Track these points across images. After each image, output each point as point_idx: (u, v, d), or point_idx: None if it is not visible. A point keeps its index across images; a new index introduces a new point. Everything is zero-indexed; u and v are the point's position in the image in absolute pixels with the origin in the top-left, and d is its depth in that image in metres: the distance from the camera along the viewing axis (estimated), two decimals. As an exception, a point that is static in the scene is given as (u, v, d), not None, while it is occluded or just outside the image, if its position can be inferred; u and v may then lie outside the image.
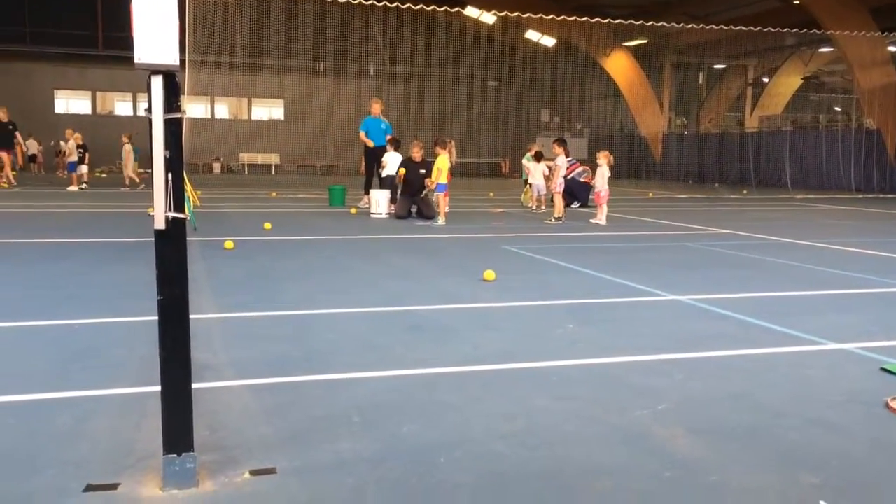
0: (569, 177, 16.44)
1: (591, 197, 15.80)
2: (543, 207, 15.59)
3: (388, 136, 15.32)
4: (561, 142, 14.02)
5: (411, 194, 13.68)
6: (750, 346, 4.88)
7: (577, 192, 16.85)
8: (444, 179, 12.77)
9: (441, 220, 12.63)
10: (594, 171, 14.01)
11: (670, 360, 4.52)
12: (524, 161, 16.93)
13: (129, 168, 21.48)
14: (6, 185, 19.86)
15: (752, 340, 5.02)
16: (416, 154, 13.76)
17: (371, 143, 15.45)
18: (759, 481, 2.86)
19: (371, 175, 15.78)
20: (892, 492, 2.80)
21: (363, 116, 16.05)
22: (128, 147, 21.38)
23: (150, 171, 2.63)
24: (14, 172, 20.66)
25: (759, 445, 3.22)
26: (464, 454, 3.07)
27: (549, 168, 14.93)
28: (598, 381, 4.11)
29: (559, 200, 13.55)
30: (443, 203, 12.81)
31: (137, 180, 21.40)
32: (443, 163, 12.83)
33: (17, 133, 20.19)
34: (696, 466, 2.99)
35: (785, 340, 5.05)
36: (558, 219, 13.26)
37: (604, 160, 13.25)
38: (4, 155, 20.25)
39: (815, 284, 7.31)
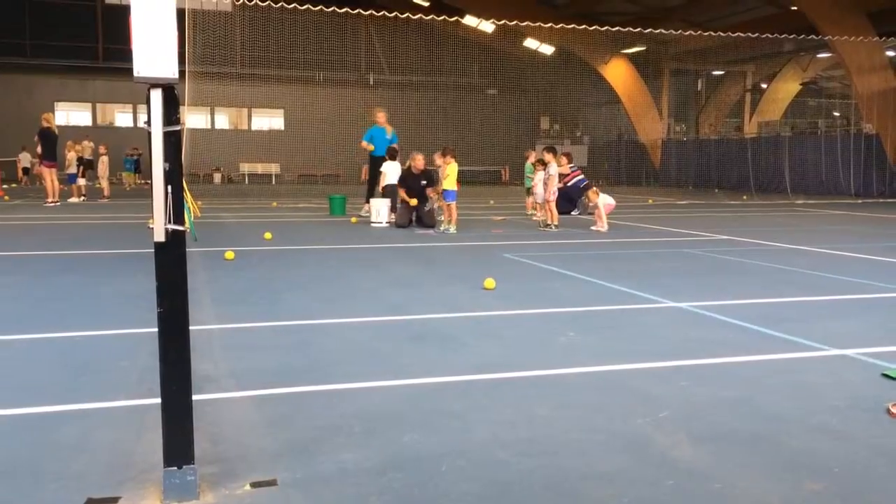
0: (569, 183, 16.48)
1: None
2: (542, 214, 15.58)
3: (388, 147, 15.35)
4: (552, 150, 14.05)
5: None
6: (751, 352, 4.87)
7: (576, 200, 16.85)
8: (453, 186, 12.79)
9: (452, 229, 12.63)
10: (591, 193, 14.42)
11: (672, 367, 4.52)
12: (527, 169, 16.89)
13: (105, 179, 21.55)
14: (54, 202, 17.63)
15: (752, 347, 5.02)
16: (418, 163, 13.72)
17: (371, 147, 15.54)
18: (761, 488, 2.85)
19: (374, 184, 15.79)
20: (895, 498, 2.80)
21: (363, 125, 16.15)
22: (105, 158, 21.46)
23: (150, 182, 2.64)
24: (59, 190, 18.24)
25: (761, 452, 3.21)
26: (466, 463, 3.06)
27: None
28: (599, 388, 4.11)
29: (553, 208, 13.57)
30: (454, 211, 12.80)
31: (106, 193, 21.16)
32: (451, 170, 12.85)
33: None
34: (699, 474, 2.98)
35: (786, 346, 5.04)
36: (556, 226, 13.25)
37: (595, 197, 13.78)
38: (46, 169, 17.82)
39: (815, 290, 7.31)
